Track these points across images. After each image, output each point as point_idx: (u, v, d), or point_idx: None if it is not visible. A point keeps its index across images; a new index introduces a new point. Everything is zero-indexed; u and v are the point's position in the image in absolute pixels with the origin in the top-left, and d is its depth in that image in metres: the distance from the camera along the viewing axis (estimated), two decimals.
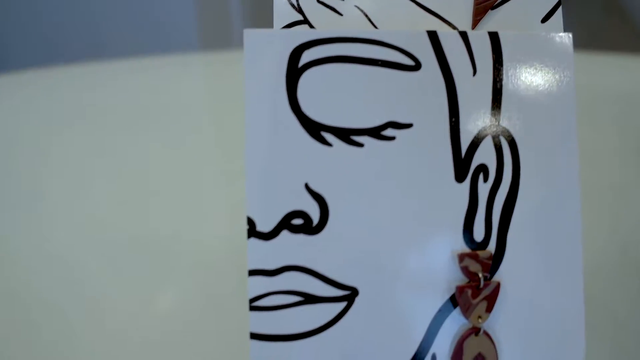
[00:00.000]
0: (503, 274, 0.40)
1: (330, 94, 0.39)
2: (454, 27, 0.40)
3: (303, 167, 0.39)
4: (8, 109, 0.65)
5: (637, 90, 0.62)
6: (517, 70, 0.39)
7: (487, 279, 0.39)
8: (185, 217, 0.56)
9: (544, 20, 0.40)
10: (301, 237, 0.39)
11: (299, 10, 0.39)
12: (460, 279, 0.39)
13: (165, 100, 0.66)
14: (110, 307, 0.53)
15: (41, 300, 0.54)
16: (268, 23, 0.40)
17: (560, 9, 0.40)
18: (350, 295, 0.39)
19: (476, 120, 0.39)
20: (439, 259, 0.39)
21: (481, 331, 0.39)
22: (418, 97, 0.39)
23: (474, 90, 0.39)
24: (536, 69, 0.39)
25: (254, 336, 0.39)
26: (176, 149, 0.65)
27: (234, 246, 0.51)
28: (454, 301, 0.40)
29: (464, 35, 0.39)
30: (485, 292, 0.39)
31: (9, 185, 0.61)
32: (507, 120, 0.39)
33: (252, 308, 0.39)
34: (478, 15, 0.40)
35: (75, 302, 0.55)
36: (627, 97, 0.59)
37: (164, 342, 0.51)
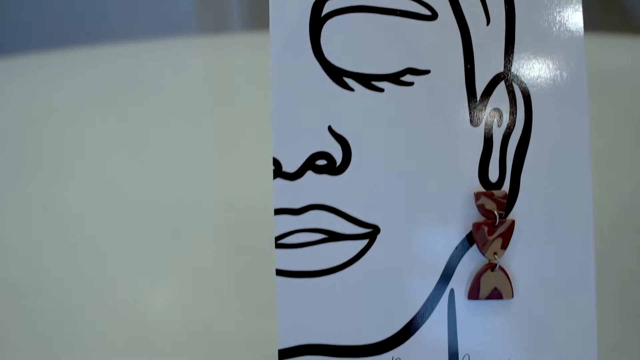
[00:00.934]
0: (517, 214, 0.42)
1: (351, 41, 0.41)
2: None
3: (326, 111, 0.41)
4: (29, 89, 0.67)
5: None
6: (529, 20, 0.42)
7: (502, 217, 0.41)
8: (207, 181, 0.58)
9: None
10: (325, 177, 0.41)
11: None
12: (476, 217, 0.41)
13: (167, 79, 0.68)
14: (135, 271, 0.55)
15: (71, 271, 0.55)
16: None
17: None
18: (372, 233, 0.41)
19: (490, 67, 0.41)
20: (455, 199, 0.41)
21: (497, 267, 0.41)
22: (435, 45, 0.41)
23: (487, 39, 0.41)
24: (548, 18, 0.42)
25: (280, 272, 0.41)
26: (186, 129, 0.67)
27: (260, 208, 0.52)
28: (470, 240, 0.42)
29: None
30: (501, 229, 0.41)
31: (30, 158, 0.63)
32: (520, 68, 0.42)
33: (278, 245, 0.41)
34: None
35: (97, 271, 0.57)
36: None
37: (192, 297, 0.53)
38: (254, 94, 0.66)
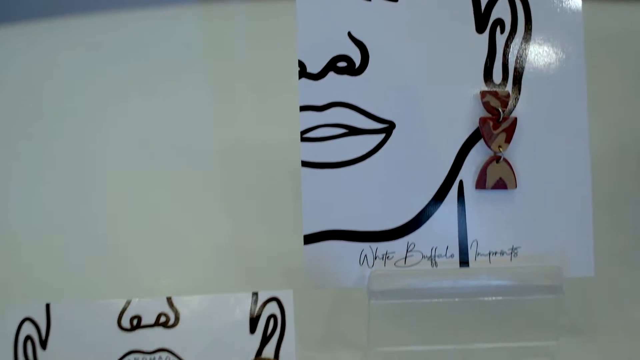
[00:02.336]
0: (519, 112, 0.46)
1: None
2: None
3: (346, 19, 0.45)
4: (33, 57, 0.70)
5: None
6: None
7: (506, 114, 0.45)
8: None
9: None
10: (345, 78, 0.45)
11: None
12: (482, 115, 0.46)
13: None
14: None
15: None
16: None
17: None
18: (388, 128, 0.46)
19: None
20: (463, 98, 0.46)
21: (501, 159, 0.45)
22: None
23: None
24: None
25: (305, 164, 0.45)
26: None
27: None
28: (477, 136, 0.46)
29: None
30: (504, 125, 0.45)
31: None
32: None
33: (303, 139, 0.45)
34: None
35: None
36: None
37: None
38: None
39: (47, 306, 0.42)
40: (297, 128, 0.46)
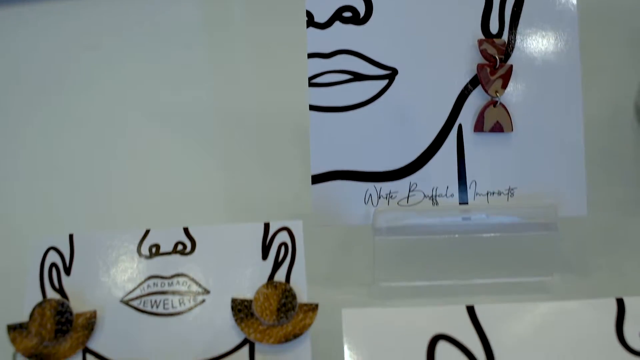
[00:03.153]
0: (515, 60, 0.49)
1: None
2: None
3: None
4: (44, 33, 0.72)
5: None
6: None
7: (502, 62, 0.48)
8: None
9: None
10: (350, 27, 0.48)
11: None
12: (480, 62, 0.48)
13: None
14: None
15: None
16: None
17: None
18: (391, 74, 0.48)
19: None
20: (462, 46, 0.48)
21: (498, 103, 0.48)
22: None
23: None
24: None
25: (313, 108, 0.48)
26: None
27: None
28: (474, 82, 0.48)
29: None
30: (501, 71, 0.48)
31: None
32: None
33: (311, 85, 0.48)
34: None
35: None
36: None
37: None
38: None
39: (71, 236, 0.44)
40: (301, 80, 0.48)
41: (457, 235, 0.47)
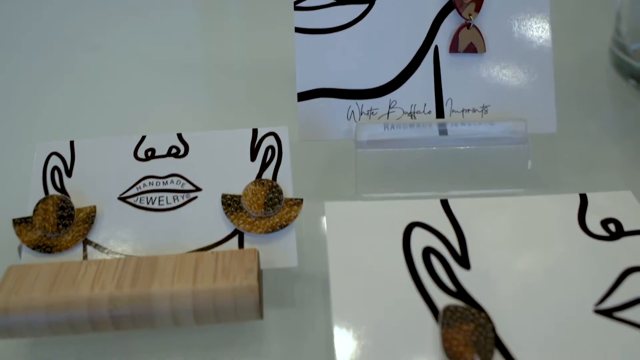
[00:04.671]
0: None
1: None
2: None
3: None
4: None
5: None
6: None
7: None
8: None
9: None
10: None
11: None
12: None
13: None
14: None
15: None
16: None
17: None
18: None
19: None
20: None
21: (472, 25, 0.51)
22: None
23: None
24: None
25: (298, 30, 0.51)
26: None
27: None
28: (450, 6, 0.52)
29: None
30: None
31: None
32: None
33: (297, 8, 0.51)
34: None
35: None
36: None
37: None
38: None
39: (72, 142, 0.47)
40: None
41: (434, 148, 0.50)
